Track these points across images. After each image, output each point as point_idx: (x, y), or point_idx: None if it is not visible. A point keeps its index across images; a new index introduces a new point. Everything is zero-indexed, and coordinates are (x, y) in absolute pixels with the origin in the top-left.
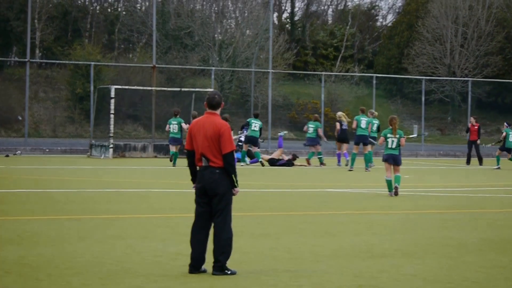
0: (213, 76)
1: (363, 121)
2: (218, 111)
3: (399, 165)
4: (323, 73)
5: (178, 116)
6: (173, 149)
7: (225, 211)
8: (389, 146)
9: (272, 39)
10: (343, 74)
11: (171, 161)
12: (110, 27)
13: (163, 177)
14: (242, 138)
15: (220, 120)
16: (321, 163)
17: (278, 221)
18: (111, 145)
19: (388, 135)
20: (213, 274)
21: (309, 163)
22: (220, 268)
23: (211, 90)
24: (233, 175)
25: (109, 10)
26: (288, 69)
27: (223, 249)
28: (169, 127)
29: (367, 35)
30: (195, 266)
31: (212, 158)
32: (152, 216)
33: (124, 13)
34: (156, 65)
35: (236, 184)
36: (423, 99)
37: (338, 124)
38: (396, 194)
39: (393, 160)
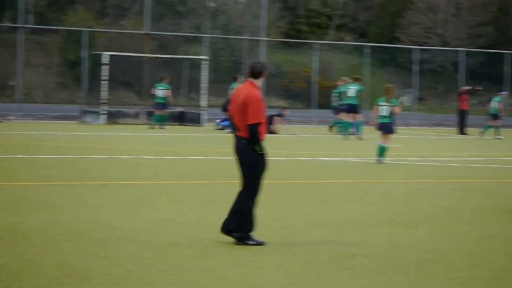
0: (206, 44)
1: (351, 90)
2: (258, 81)
3: (390, 134)
4: (316, 41)
5: (164, 82)
6: (157, 113)
7: (249, 182)
8: (382, 114)
9: (265, 7)
10: (336, 42)
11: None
12: None
13: (156, 144)
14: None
15: (253, 90)
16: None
17: (270, 190)
18: (104, 112)
19: (380, 103)
20: (235, 244)
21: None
22: (239, 238)
23: (204, 57)
24: (256, 147)
25: None
26: (281, 37)
27: (239, 220)
28: (155, 91)
29: (360, 4)
30: (222, 227)
31: (240, 127)
32: (145, 183)
33: None
34: (149, 32)
35: (261, 151)
36: (415, 68)
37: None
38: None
39: (385, 128)
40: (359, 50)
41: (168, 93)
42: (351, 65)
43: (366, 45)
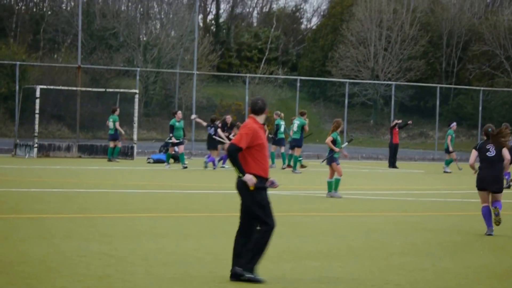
0: (138, 77)
1: (295, 124)
2: (259, 117)
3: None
4: (248, 75)
5: (115, 114)
6: (110, 145)
7: (261, 218)
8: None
9: (197, 40)
10: (267, 76)
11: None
12: (36, 27)
13: (88, 177)
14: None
15: (250, 122)
16: (302, 166)
17: (201, 222)
18: (36, 145)
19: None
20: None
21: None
22: (242, 273)
23: (135, 91)
24: (235, 170)
25: (34, 9)
26: (213, 70)
27: (252, 254)
28: (108, 123)
29: (291, 38)
30: (231, 275)
31: None
32: (76, 216)
33: (49, 12)
34: (81, 65)
35: (240, 175)
36: (346, 102)
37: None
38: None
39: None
40: (290, 83)
41: (117, 125)
42: (282, 99)
43: (297, 79)
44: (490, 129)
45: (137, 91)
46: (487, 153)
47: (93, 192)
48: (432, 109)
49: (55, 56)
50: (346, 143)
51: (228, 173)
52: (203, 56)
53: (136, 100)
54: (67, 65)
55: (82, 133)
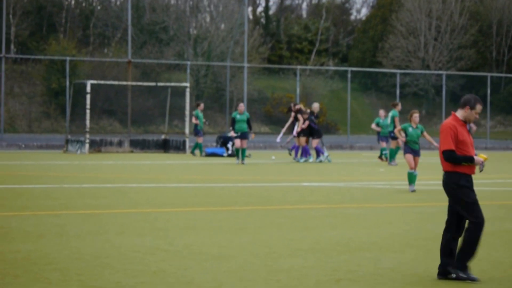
0: (188, 71)
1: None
2: (459, 112)
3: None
4: (298, 67)
5: (198, 109)
6: (198, 140)
7: (467, 214)
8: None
9: (247, 33)
10: (318, 67)
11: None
12: (85, 22)
13: (140, 172)
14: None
15: (448, 120)
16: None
17: (255, 216)
18: (87, 140)
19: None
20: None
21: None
22: (456, 271)
23: (186, 84)
24: (463, 163)
25: (84, 4)
26: (263, 63)
27: (465, 253)
28: (193, 119)
29: (341, 29)
30: (439, 273)
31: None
32: (130, 211)
33: (99, 7)
34: (132, 60)
35: (467, 163)
36: (397, 92)
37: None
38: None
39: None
40: (341, 74)
41: (193, 119)
42: (334, 90)
43: (347, 70)
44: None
45: (188, 84)
46: None
47: (146, 187)
48: (483, 98)
49: (105, 51)
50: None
51: (287, 167)
52: (253, 48)
53: (187, 93)
54: (117, 60)
55: (133, 128)
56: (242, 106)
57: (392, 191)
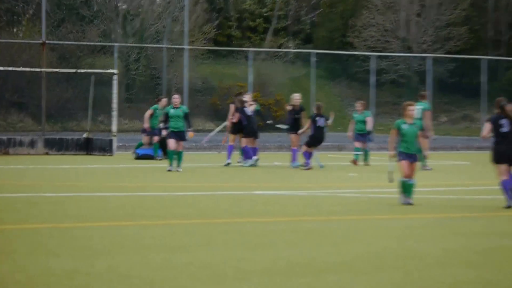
0: (116, 54)
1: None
2: None
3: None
4: (251, 49)
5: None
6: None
7: None
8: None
9: (188, 8)
10: (275, 50)
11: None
12: None
13: (57, 179)
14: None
15: None
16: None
17: (196, 231)
18: None
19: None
20: None
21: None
22: None
23: (113, 71)
24: None
25: None
26: (208, 45)
27: None
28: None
29: (304, 3)
30: None
31: None
32: (43, 226)
33: None
34: (46, 41)
35: None
36: (372, 79)
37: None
38: None
39: None
40: (303, 58)
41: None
42: (294, 77)
43: (312, 53)
44: (502, 103)
45: (116, 71)
46: (500, 129)
47: (64, 197)
48: (477, 87)
49: (14, 30)
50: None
51: (236, 171)
52: (196, 27)
53: (115, 82)
54: (29, 41)
55: (48, 125)
56: (177, 98)
57: (365, 201)
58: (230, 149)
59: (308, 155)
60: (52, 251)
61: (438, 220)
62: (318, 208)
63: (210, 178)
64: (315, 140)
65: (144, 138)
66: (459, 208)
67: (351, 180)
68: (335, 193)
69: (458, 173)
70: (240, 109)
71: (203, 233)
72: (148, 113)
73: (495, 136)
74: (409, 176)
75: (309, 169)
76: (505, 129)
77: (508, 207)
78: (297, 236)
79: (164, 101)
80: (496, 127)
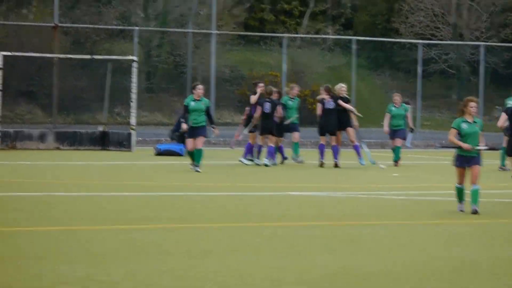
0: (136, 40)
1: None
2: None
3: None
4: (285, 35)
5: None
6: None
7: None
8: None
9: None
10: (312, 36)
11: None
12: None
13: (69, 176)
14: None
15: None
16: None
17: (224, 235)
18: None
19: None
20: None
21: None
22: None
23: (133, 58)
24: None
25: None
26: (238, 29)
27: None
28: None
29: None
30: None
31: None
32: (54, 229)
33: None
34: (59, 24)
35: None
36: (419, 70)
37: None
38: None
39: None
40: (343, 46)
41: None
42: (333, 67)
43: (352, 40)
44: None
45: (135, 58)
46: None
47: (77, 197)
48: None
49: (24, 11)
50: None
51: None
52: (225, 9)
53: (135, 70)
54: (40, 24)
55: (60, 117)
56: (200, 89)
57: (409, 204)
58: (270, 149)
59: (322, 148)
60: (64, 256)
61: (488, 226)
62: (358, 211)
63: (238, 177)
64: (325, 126)
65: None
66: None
67: (394, 180)
68: (377, 195)
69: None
70: (261, 101)
71: (231, 238)
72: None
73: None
74: (466, 182)
75: (321, 165)
76: None
77: None
78: (334, 242)
79: (260, 86)
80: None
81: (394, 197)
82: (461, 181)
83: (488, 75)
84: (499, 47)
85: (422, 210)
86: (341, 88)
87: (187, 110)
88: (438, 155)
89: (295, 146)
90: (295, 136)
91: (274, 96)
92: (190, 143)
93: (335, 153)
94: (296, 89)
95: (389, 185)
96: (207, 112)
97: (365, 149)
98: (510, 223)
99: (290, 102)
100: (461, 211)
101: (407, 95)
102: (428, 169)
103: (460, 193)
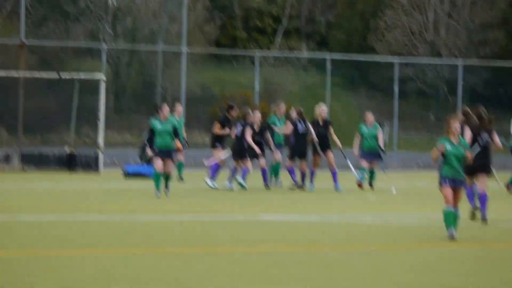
0: (104, 58)
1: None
2: None
3: None
4: (258, 53)
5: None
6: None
7: None
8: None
9: (187, 5)
10: (286, 55)
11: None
12: None
13: (34, 200)
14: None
15: None
16: None
17: (193, 262)
18: None
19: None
20: None
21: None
22: None
23: (101, 76)
24: None
25: None
26: (210, 48)
27: None
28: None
29: (319, 1)
30: None
31: None
32: (18, 254)
33: None
34: (26, 42)
35: None
36: (396, 89)
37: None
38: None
39: None
40: (317, 64)
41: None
42: (307, 86)
43: (327, 58)
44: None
45: (103, 77)
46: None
47: (43, 221)
48: None
49: None
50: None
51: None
52: (196, 27)
53: (103, 89)
54: (5, 42)
55: (26, 137)
56: (166, 110)
57: (387, 228)
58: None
59: (291, 170)
60: (30, 283)
61: (475, 251)
62: (335, 236)
63: (210, 200)
64: (296, 150)
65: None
66: (499, 239)
67: (371, 204)
68: (353, 218)
69: (493, 197)
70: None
71: (203, 264)
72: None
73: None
74: (453, 204)
75: (300, 187)
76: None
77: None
78: (310, 269)
79: (179, 108)
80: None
81: (370, 221)
82: (450, 202)
83: (466, 95)
84: (479, 66)
85: (400, 234)
86: (322, 110)
87: (153, 132)
88: (416, 178)
89: (277, 168)
90: (278, 156)
91: (295, 115)
92: (160, 164)
93: (303, 176)
94: (283, 107)
95: (365, 209)
96: (175, 133)
97: (352, 170)
98: (485, 249)
99: (277, 123)
100: (452, 237)
101: (384, 115)
102: (406, 192)
103: (449, 217)
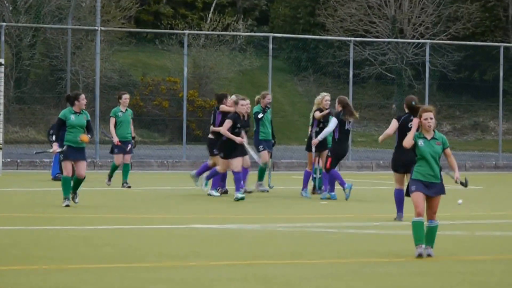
0: (2, 38)
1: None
2: None
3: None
4: (187, 31)
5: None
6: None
7: None
8: None
9: None
10: (219, 33)
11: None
12: None
13: None
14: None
15: None
16: None
17: (113, 279)
18: None
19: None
20: None
21: None
22: None
23: None
24: None
25: None
26: (128, 25)
27: None
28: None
29: None
30: None
31: None
32: None
33: None
34: None
35: None
36: (350, 74)
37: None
38: None
39: None
40: (257, 45)
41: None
42: (245, 70)
43: (269, 37)
44: (413, 102)
45: (2, 60)
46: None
47: None
48: (493, 84)
49: None
50: None
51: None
52: (112, 2)
53: (1, 76)
54: None
55: None
56: (84, 99)
57: (343, 237)
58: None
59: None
60: None
61: (448, 264)
62: (279, 248)
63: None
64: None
65: (116, 158)
66: (472, 249)
67: (323, 210)
68: (301, 227)
69: (466, 201)
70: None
71: (123, 282)
72: (111, 122)
73: (400, 140)
74: (422, 214)
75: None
76: None
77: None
78: (249, 287)
79: (125, 97)
80: (404, 128)
81: (323, 230)
82: (420, 213)
83: (435, 80)
84: (449, 45)
85: (360, 245)
86: (324, 99)
87: (62, 125)
88: (374, 178)
89: (263, 169)
90: (265, 156)
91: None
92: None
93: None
94: (269, 97)
95: (316, 216)
96: (88, 126)
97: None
98: (472, 261)
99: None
100: (420, 255)
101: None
102: (363, 195)
103: (418, 230)
